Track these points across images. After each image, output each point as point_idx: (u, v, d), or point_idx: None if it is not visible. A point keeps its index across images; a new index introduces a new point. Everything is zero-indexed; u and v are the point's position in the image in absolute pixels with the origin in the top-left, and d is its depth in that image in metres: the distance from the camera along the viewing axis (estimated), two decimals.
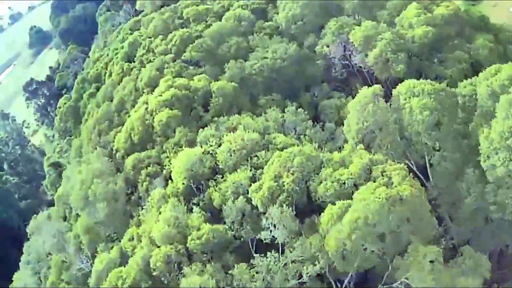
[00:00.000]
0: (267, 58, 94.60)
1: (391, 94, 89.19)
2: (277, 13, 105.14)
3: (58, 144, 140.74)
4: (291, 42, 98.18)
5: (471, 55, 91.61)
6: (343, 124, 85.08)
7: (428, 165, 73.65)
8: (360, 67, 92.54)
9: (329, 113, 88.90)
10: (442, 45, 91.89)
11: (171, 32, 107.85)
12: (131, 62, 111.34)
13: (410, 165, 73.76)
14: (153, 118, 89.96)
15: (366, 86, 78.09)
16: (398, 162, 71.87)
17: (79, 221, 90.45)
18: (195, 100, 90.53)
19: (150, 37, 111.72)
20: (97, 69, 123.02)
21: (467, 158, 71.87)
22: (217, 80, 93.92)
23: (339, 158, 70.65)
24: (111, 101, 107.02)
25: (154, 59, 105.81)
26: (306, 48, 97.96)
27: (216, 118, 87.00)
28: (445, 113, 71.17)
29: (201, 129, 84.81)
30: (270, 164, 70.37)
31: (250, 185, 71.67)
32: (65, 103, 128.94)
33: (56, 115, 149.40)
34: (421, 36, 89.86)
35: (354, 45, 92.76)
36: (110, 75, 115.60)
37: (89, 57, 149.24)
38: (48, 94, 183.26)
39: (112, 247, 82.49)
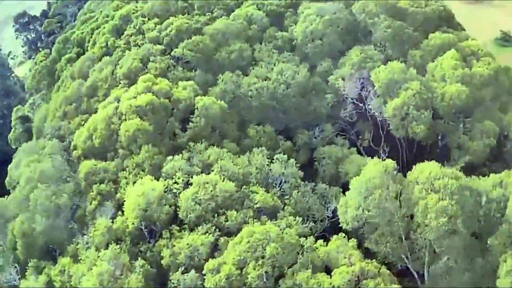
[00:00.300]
0: (269, 79, 77.13)
1: (403, 161, 74.06)
2: (295, 23, 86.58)
3: (30, 96, 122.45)
4: (302, 64, 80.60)
5: (502, 126, 75.18)
6: (338, 183, 70.29)
7: (426, 272, 58.42)
8: (375, 114, 75.44)
9: (325, 164, 72.36)
10: (472, 109, 75.20)
11: (168, 18, 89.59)
12: (117, 39, 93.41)
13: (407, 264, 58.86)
14: (121, 123, 73.28)
15: (376, 159, 61.79)
16: (394, 264, 57.50)
17: (17, 221, 74.56)
18: (174, 113, 73.79)
19: (144, 16, 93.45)
20: (82, 32, 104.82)
21: (479, 281, 56.44)
22: (205, 94, 76.84)
23: (324, 253, 54.73)
24: (86, 79, 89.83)
25: (142, 43, 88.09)
26: (318, 75, 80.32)
27: (192, 144, 70.55)
28: (465, 219, 55.55)
29: (170, 157, 68.30)
30: (237, 243, 54.25)
31: (208, 256, 56.16)
32: (41, 61, 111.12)
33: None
34: (452, 96, 72.79)
35: (374, 86, 75.52)
36: (94, 44, 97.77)
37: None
38: (40, 30, 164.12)
39: (44, 267, 67.90)
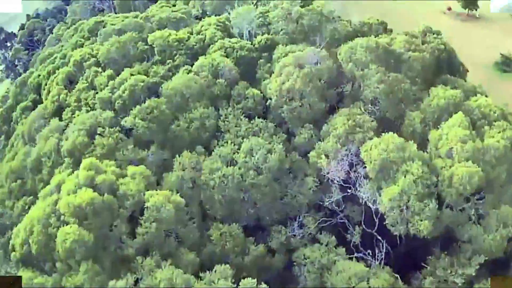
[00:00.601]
0: (236, 162, 58.19)
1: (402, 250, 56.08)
2: (270, 74, 66.76)
3: None
4: (277, 134, 61.59)
5: None
6: None
7: None
8: (367, 204, 56.60)
9: (307, 273, 54.05)
10: (485, 192, 56.08)
11: (123, 69, 70.35)
12: (69, 91, 74.72)
13: None
14: (59, 226, 55.27)
15: None
16: None
17: None
18: (120, 214, 55.36)
19: (98, 65, 74.14)
20: (39, 75, 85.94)
21: None
22: (159, 180, 58.67)
23: None
24: (34, 144, 72.04)
25: (93, 103, 69.47)
26: (296, 148, 61.21)
27: (139, 259, 52.55)
28: None
29: (112, 282, 50.44)
30: None
31: None
32: None
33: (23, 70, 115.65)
34: (462, 180, 53.74)
35: (365, 166, 56.52)
36: (48, 93, 79.28)
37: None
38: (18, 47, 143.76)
39: None
